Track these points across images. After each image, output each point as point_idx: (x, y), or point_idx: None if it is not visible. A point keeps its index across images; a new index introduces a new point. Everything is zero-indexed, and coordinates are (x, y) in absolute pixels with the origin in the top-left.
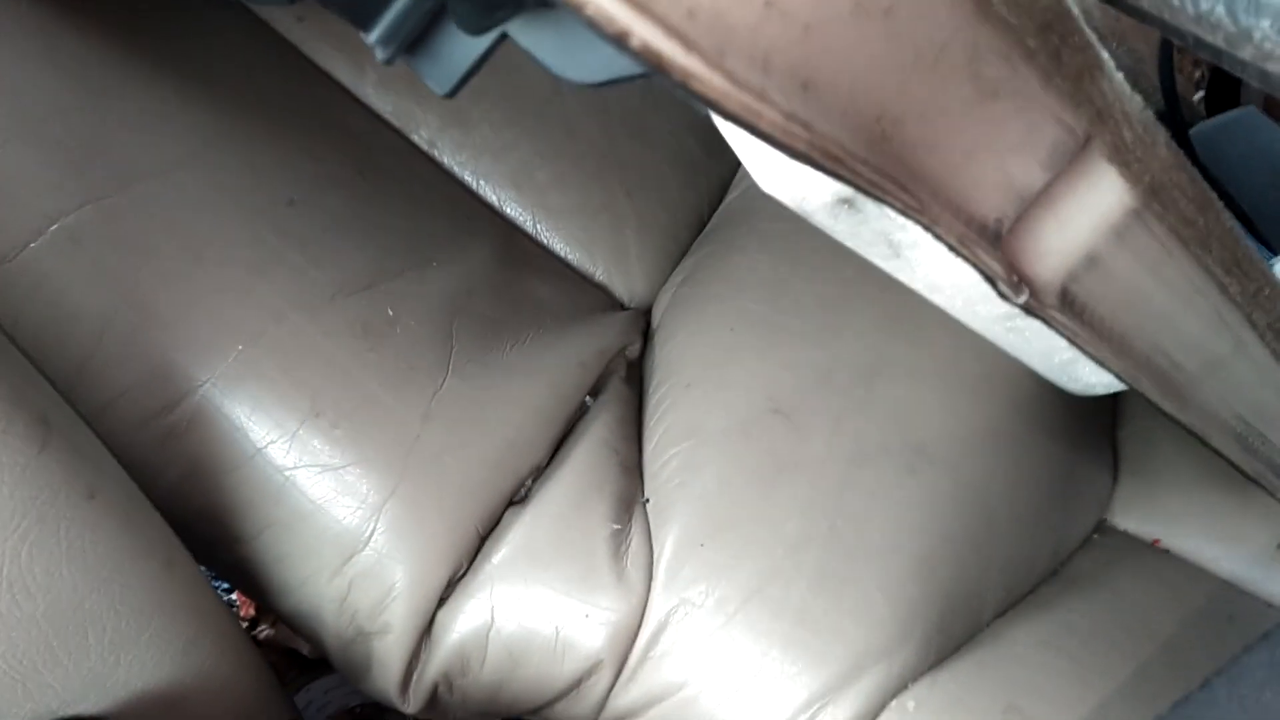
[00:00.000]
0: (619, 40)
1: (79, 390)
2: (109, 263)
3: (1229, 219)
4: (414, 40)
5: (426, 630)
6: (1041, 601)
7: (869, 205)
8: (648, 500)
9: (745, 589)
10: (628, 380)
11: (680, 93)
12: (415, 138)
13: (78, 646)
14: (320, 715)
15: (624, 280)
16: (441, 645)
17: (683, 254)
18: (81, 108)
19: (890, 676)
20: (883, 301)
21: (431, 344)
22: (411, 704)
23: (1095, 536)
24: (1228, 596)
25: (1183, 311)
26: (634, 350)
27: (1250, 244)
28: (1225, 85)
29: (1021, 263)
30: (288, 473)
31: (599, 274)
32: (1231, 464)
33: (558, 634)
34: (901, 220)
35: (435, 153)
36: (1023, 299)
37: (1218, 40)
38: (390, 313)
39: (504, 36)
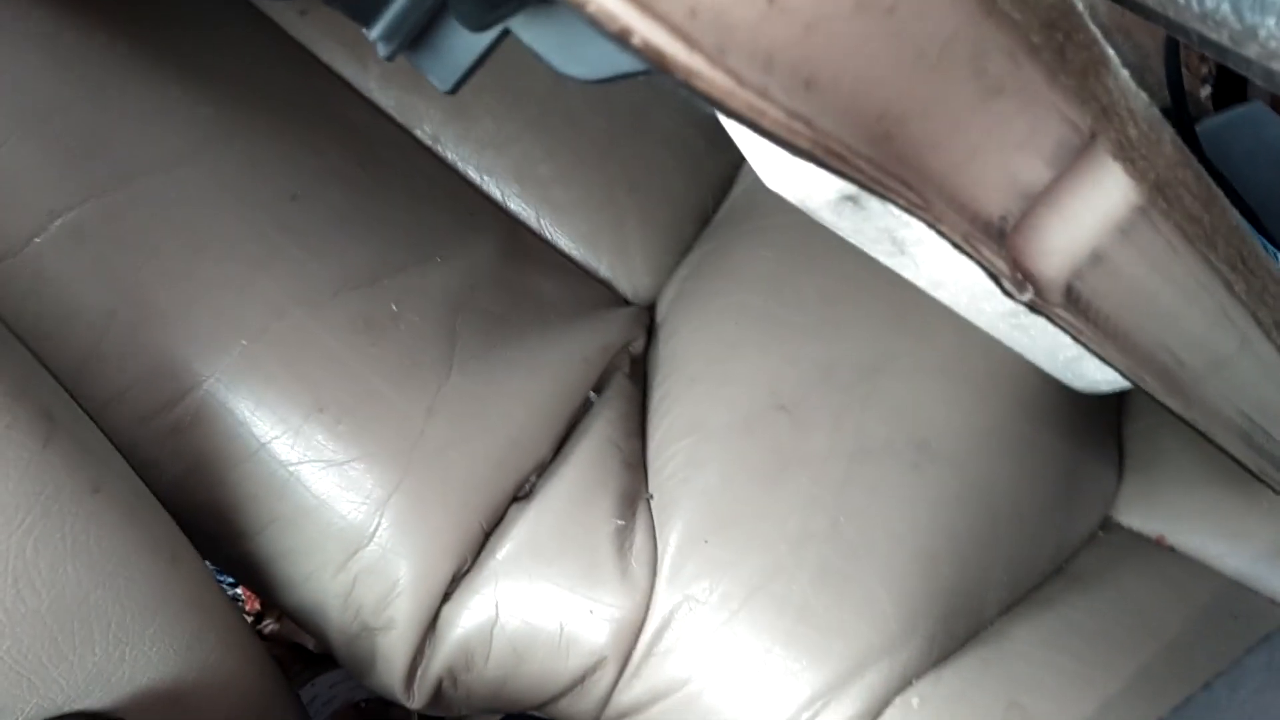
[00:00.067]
0: (620, 38)
1: (82, 386)
2: (111, 258)
3: (1235, 215)
4: (416, 36)
5: (431, 626)
6: (1045, 598)
7: (873, 202)
8: (651, 496)
9: (749, 585)
10: (631, 376)
11: (683, 91)
12: (418, 132)
13: (82, 641)
14: (325, 710)
15: (628, 275)
16: (446, 641)
17: (687, 249)
18: (83, 103)
19: (893, 673)
20: (887, 297)
21: (435, 339)
22: (416, 699)
23: (1100, 533)
24: (1233, 594)
25: (1188, 309)
26: (638, 346)
27: (1256, 240)
28: (1232, 80)
29: (1026, 260)
30: (291, 468)
31: (602, 269)
32: (1237, 461)
33: (562, 630)
34: (905, 217)
35: (438, 147)
36: (1027, 296)
37: (1222, 38)
38: (393, 308)
39: (506, 32)
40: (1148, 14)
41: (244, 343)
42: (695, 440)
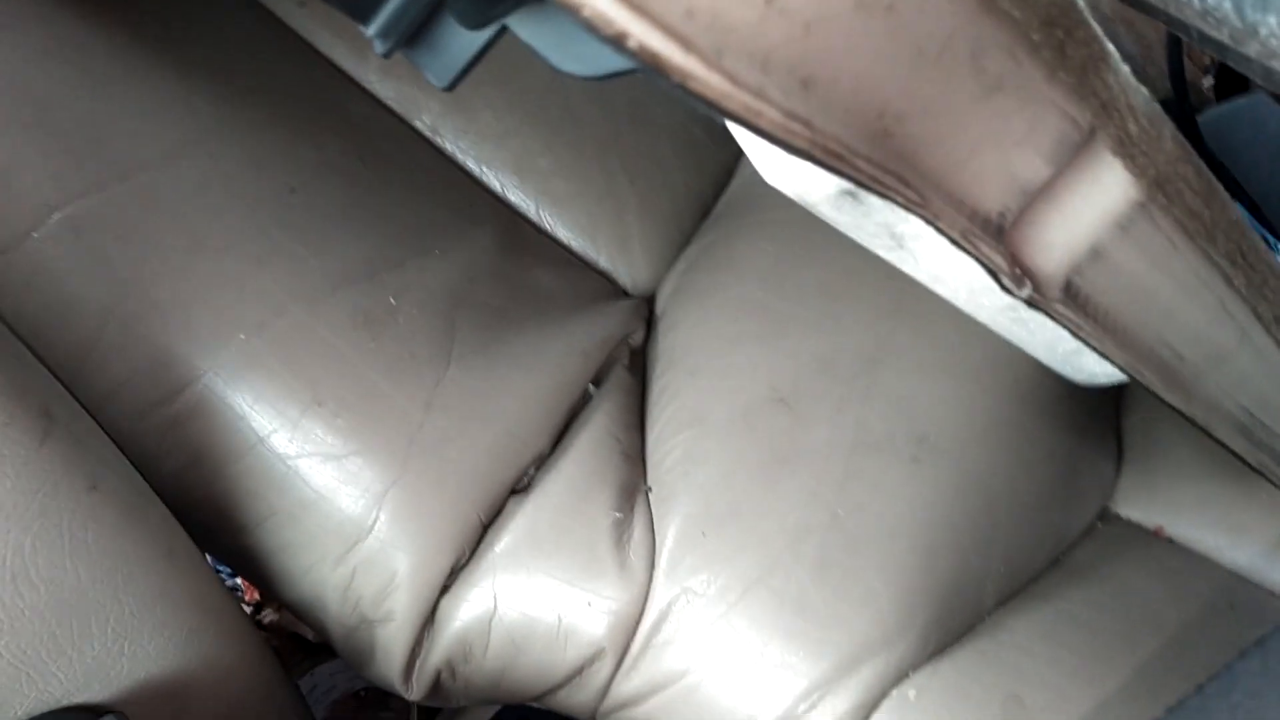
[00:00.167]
0: (616, 42)
1: (80, 380)
2: (109, 253)
3: (1235, 210)
4: (413, 33)
5: (429, 618)
6: (1043, 591)
7: (872, 198)
8: (650, 489)
9: (747, 578)
10: (630, 369)
11: (679, 93)
12: (417, 124)
13: (81, 636)
14: (325, 699)
15: (627, 267)
16: (444, 633)
17: (686, 241)
18: (82, 97)
19: (891, 666)
20: (886, 290)
21: (433, 333)
22: (415, 691)
23: (1098, 525)
24: (1231, 586)
25: (1187, 304)
26: (637, 338)
27: (1257, 235)
28: (1235, 71)
29: (1025, 256)
30: (290, 461)
31: (602, 261)
32: (1235, 455)
33: (560, 622)
34: (904, 213)
35: (437, 139)
36: (1026, 292)
37: (1223, 36)
38: (392, 302)
39: (503, 29)
40: (1149, 10)
41: (242, 337)
42: (694, 433)
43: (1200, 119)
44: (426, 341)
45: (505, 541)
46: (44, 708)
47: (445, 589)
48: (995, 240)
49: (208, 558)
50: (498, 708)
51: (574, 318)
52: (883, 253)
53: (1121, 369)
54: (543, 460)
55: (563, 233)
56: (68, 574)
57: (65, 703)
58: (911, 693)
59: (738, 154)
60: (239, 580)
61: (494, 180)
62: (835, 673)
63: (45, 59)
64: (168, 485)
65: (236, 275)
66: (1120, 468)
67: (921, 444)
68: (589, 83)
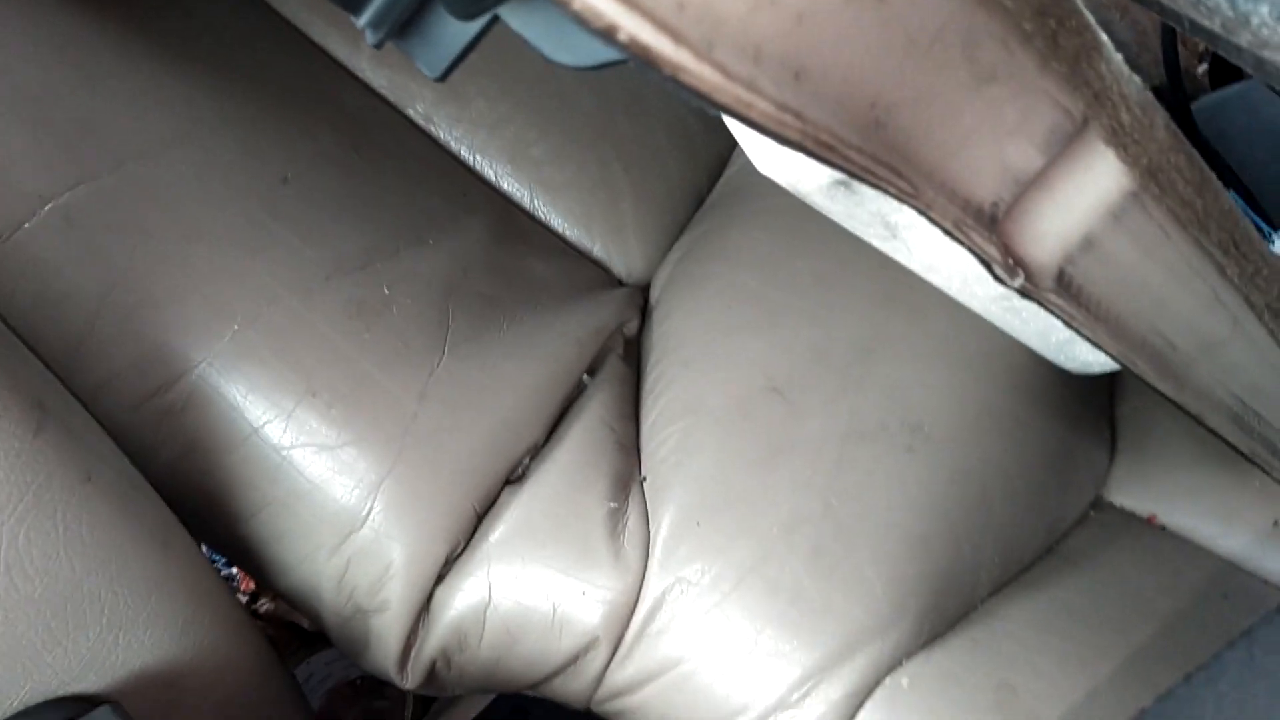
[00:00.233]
0: (607, 35)
1: (73, 371)
2: (102, 243)
3: (1228, 200)
4: (405, 23)
5: (424, 607)
6: (1037, 579)
7: (865, 188)
8: (645, 478)
9: (741, 567)
10: (625, 358)
11: (670, 85)
12: (411, 112)
13: (76, 627)
14: (320, 688)
15: (621, 256)
16: (439, 622)
17: (681, 230)
18: (74, 87)
19: (884, 654)
20: (880, 279)
21: (427, 323)
22: (410, 680)
23: (1091, 513)
24: (1224, 574)
25: (1180, 293)
26: (631, 328)
27: (1250, 224)
28: None
29: (1017, 246)
30: (284, 452)
31: (596, 250)
32: (1228, 443)
33: (555, 611)
34: (897, 203)
35: (431, 127)
36: (1018, 282)
37: (1214, 25)
38: (386, 292)
39: (495, 20)
40: None
41: (236, 328)
42: (689, 423)
43: (1194, 106)
44: (420, 331)
45: (500, 531)
46: (39, 698)
47: (440, 578)
48: (988, 230)
49: (203, 548)
50: (493, 697)
51: (568, 307)
52: (876, 242)
53: (1114, 358)
54: (537, 450)
55: (557, 221)
56: (62, 565)
57: (60, 693)
58: (905, 681)
59: (732, 143)
60: (234, 570)
61: (488, 169)
62: (829, 661)
63: (36, 50)
64: (162, 476)
65: (230, 265)
66: (1113, 456)
67: (915, 433)
68: (582, 72)
